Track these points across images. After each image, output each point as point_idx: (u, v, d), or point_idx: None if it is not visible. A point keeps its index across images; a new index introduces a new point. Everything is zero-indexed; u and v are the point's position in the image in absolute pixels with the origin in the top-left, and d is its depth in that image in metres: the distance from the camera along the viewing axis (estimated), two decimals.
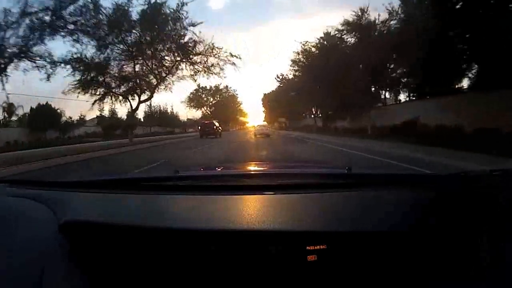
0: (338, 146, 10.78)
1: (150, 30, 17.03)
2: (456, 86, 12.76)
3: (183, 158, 9.23)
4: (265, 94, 48.78)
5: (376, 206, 0.85)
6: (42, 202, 0.86)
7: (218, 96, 53.42)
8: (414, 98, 16.70)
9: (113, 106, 29.10)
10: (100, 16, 15.46)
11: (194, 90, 46.14)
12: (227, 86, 51.92)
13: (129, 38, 17.11)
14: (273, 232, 0.69)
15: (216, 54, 18.81)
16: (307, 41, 20.48)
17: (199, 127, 26.76)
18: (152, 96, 19.88)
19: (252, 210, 0.78)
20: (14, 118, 29.70)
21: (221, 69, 20.24)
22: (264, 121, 64.30)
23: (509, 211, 0.75)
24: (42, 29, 13.62)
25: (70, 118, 30.88)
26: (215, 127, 25.38)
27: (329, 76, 15.90)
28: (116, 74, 17.80)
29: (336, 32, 16.68)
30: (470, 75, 11.83)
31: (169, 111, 47.95)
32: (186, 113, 74.69)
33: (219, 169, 1.77)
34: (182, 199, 0.92)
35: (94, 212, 0.85)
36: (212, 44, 18.56)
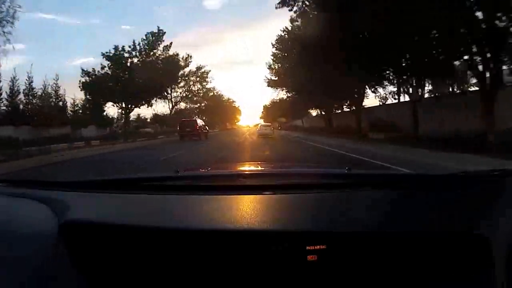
0: None
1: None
2: None
3: None
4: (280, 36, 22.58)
5: (376, 206, 0.85)
6: (42, 202, 0.86)
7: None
8: None
9: None
10: None
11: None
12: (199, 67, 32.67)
13: None
14: (273, 232, 0.69)
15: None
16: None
17: (178, 127, 20.01)
18: None
19: (252, 210, 0.78)
20: None
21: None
22: (260, 118, 59.68)
23: (509, 211, 0.76)
24: None
25: None
26: (198, 126, 19.06)
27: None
28: None
29: None
30: None
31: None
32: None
33: (219, 169, 1.77)
34: (182, 199, 0.92)
35: (94, 212, 0.85)
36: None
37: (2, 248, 0.68)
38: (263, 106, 59.99)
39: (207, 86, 34.60)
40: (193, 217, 0.80)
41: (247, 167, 1.77)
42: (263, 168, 1.72)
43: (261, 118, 61.53)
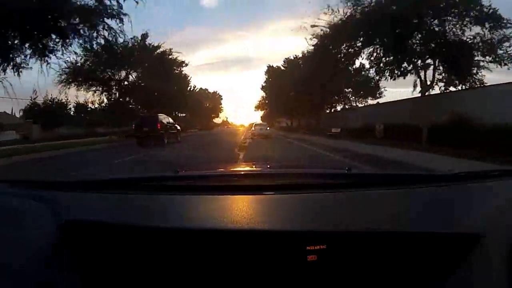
0: None
1: None
2: None
3: None
4: None
5: (376, 206, 0.85)
6: (42, 202, 0.86)
7: None
8: None
9: None
10: None
11: None
12: None
13: None
14: (273, 232, 0.69)
15: None
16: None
17: (134, 127, 14.18)
18: None
19: (252, 210, 0.78)
20: None
21: None
22: (256, 108, 48.88)
23: (509, 210, 0.76)
24: None
25: None
26: (159, 125, 13.25)
27: None
28: None
29: None
30: None
31: None
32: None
33: (219, 169, 1.77)
34: (182, 199, 0.92)
35: (94, 212, 0.85)
36: None
37: (1, 248, 0.68)
38: (265, 71, 35.91)
39: None
40: (193, 217, 0.80)
41: (247, 168, 1.77)
42: (263, 168, 1.71)
43: (256, 108, 49.93)
